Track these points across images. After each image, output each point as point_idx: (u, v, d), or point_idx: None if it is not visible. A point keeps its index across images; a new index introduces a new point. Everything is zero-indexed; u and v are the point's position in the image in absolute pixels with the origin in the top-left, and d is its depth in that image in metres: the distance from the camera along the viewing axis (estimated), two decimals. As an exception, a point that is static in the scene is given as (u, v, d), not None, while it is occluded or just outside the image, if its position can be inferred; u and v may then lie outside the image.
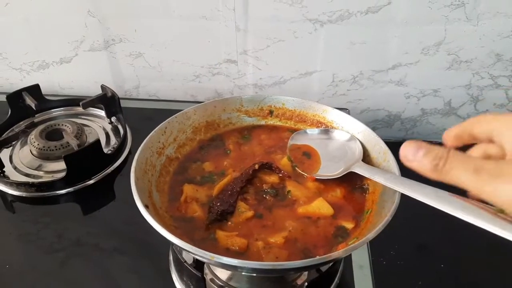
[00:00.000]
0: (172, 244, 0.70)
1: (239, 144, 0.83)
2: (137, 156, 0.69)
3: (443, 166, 0.43)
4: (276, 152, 0.80)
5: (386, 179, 0.63)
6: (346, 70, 1.11)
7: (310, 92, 1.16)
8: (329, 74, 1.13)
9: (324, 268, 0.68)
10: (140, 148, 0.71)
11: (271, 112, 0.86)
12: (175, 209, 0.70)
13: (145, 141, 0.73)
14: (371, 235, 0.56)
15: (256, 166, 0.74)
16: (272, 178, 0.74)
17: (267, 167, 0.75)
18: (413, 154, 0.45)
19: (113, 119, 1.11)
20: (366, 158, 0.74)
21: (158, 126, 0.76)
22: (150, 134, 0.74)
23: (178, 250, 0.72)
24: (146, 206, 0.61)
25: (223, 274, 0.73)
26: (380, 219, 0.60)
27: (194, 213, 0.69)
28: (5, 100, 1.08)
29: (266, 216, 0.68)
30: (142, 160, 0.70)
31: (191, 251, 0.55)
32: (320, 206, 0.68)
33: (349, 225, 0.66)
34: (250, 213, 0.67)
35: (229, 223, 0.67)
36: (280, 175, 0.74)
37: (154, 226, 0.58)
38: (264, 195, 0.71)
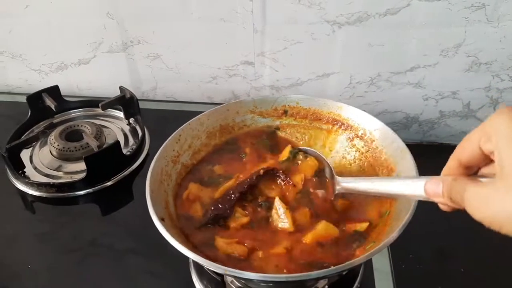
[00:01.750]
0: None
1: (256, 149, 0.83)
2: (152, 167, 0.69)
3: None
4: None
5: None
6: (364, 72, 1.11)
7: (327, 94, 1.16)
8: (347, 76, 1.12)
9: (344, 272, 0.68)
10: (154, 159, 0.71)
11: (285, 112, 0.86)
12: (178, 206, 0.70)
13: (159, 150, 0.73)
14: (391, 238, 0.56)
15: (261, 172, 0.72)
16: (273, 193, 0.72)
17: (272, 173, 0.73)
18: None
19: (131, 120, 1.12)
20: (382, 156, 0.74)
21: (172, 135, 0.76)
22: (164, 143, 0.74)
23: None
24: (162, 219, 0.62)
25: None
26: (399, 221, 0.59)
27: (195, 213, 0.69)
28: (24, 101, 1.10)
29: (262, 229, 0.67)
30: (158, 171, 0.70)
31: (205, 265, 0.56)
32: (326, 229, 0.66)
33: (362, 227, 0.65)
34: (245, 219, 0.67)
35: (224, 227, 0.66)
36: (284, 182, 0.72)
37: (170, 240, 0.58)
38: (259, 208, 0.70)
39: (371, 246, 0.59)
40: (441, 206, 0.46)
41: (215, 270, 0.55)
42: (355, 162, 0.79)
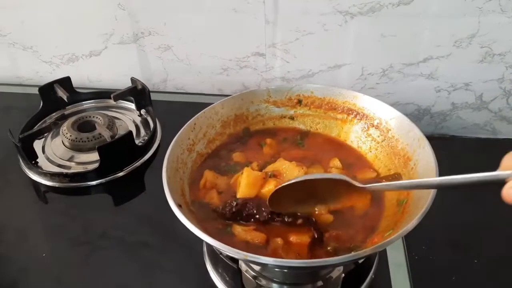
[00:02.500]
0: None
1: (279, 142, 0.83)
2: (167, 154, 0.69)
3: None
4: (313, 166, 0.76)
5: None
6: (376, 63, 1.10)
7: (339, 85, 1.14)
8: (358, 67, 1.12)
9: (360, 260, 0.67)
10: (170, 147, 0.71)
11: (299, 101, 0.85)
12: (194, 193, 0.70)
13: (175, 139, 0.73)
14: (410, 226, 0.56)
15: (299, 222, 0.65)
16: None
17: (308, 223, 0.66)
18: None
19: (143, 111, 1.12)
20: (399, 145, 0.74)
21: (187, 123, 0.76)
22: (180, 131, 0.74)
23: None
24: (179, 206, 0.62)
25: (257, 266, 0.74)
26: (417, 210, 0.59)
27: (211, 199, 0.70)
28: (36, 92, 1.10)
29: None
30: (173, 159, 0.70)
31: (225, 251, 0.56)
32: None
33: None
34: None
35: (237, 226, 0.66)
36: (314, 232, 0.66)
37: (188, 226, 0.58)
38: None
39: (390, 233, 0.59)
40: None
41: (234, 256, 0.55)
42: (370, 151, 0.79)
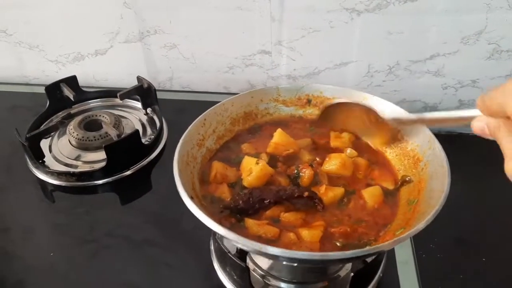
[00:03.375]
0: (217, 234, 0.71)
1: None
2: (178, 149, 0.69)
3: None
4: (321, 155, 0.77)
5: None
6: (382, 60, 1.10)
7: (345, 83, 1.15)
8: (365, 65, 1.11)
9: (369, 259, 0.67)
10: (180, 141, 0.71)
11: (309, 101, 0.85)
12: (205, 188, 0.71)
13: (185, 134, 0.73)
14: (421, 225, 0.56)
15: (305, 194, 0.68)
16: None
17: (312, 198, 0.69)
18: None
19: (149, 110, 1.12)
20: (408, 146, 0.73)
21: (197, 119, 0.76)
22: (190, 126, 0.74)
23: (220, 240, 0.72)
24: (191, 198, 0.62)
25: (264, 264, 0.74)
26: (428, 209, 0.59)
27: (222, 194, 0.70)
28: (42, 91, 1.11)
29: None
30: (184, 153, 0.70)
31: (239, 242, 0.55)
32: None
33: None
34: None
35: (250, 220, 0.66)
36: (318, 206, 0.69)
37: (200, 218, 0.58)
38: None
39: (401, 232, 0.59)
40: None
41: (247, 248, 0.55)
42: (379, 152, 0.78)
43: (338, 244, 0.63)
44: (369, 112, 0.71)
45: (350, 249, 0.61)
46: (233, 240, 0.55)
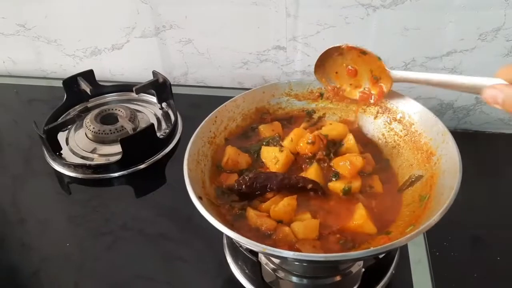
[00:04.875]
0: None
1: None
2: (189, 147, 0.70)
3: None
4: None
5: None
6: (398, 56, 1.09)
7: (359, 79, 1.14)
8: (380, 61, 1.10)
9: (381, 255, 0.67)
10: (192, 139, 0.72)
11: (321, 95, 0.85)
12: (218, 180, 0.72)
13: (196, 131, 0.73)
14: (432, 221, 0.55)
15: (309, 186, 0.69)
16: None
17: (315, 190, 0.70)
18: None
19: (164, 105, 1.13)
20: (422, 140, 0.73)
21: (208, 116, 0.77)
22: (201, 124, 0.75)
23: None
24: (200, 198, 0.62)
25: (276, 259, 0.74)
26: (439, 205, 0.58)
27: (231, 182, 0.71)
28: (59, 85, 1.12)
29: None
30: (194, 151, 0.71)
31: (244, 243, 0.56)
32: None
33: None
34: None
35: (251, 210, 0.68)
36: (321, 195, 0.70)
37: (208, 218, 0.59)
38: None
39: (411, 229, 0.59)
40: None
41: (252, 248, 0.56)
42: (393, 146, 0.78)
43: (340, 242, 0.63)
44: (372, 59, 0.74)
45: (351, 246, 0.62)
46: (239, 241, 0.56)
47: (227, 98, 0.81)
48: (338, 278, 0.71)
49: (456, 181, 0.59)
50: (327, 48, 0.78)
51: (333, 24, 1.07)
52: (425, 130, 0.73)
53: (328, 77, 0.80)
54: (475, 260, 0.82)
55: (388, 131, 0.79)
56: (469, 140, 1.11)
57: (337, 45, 0.77)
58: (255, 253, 0.68)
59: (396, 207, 0.69)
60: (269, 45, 1.14)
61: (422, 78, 0.68)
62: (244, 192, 0.69)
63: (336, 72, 0.80)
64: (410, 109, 0.76)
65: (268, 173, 0.71)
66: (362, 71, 0.77)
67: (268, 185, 0.69)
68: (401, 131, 0.77)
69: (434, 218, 0.55)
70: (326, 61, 0.78)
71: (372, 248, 0.54)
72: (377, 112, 0.81)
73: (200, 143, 0.73)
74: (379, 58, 0.74)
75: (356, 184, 0.70)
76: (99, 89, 1.16)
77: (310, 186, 0.69)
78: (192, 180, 0.64)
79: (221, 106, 0.79)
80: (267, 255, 0.60)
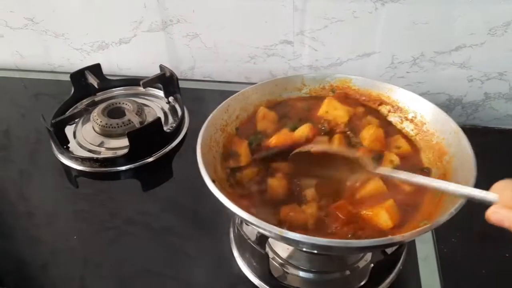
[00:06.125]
0: (237, 220, 0.72)
1: None
2: (202, 132, 0.70)
3: None
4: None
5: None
6: (406, 51, 1.08)
7: (367, 74, 1.13)
8: (388, 56, 1.10)
9: (389, 250, 0.67)
10: (204, 125, 0.72)
11: (333, 91, 0.84)
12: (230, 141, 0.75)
13: (209, 118, 0.73)
14: (444, 217, 0.55)
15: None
16: None
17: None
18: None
19: (171, 99, 1.13)
20: (433, 139, 0.72)
21: (221, 104, 0.77)
22: (214, 111, 0.75)
23: (240, 227, 0.73)
24: (213, 181, 0.62)
25: (283, 252, 0.74)
26: (452, 202, 0.58)
27: (239, 149, 0.73)
28: (67, 79, 1.13)
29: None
30: (207, 137, 0.71)
31: (259, 226, 0.55)
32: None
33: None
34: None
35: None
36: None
37: (222, 200, 0.58)
38: None
39: (424, 223, 0.58)
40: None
41: (267, 232, 0.56)
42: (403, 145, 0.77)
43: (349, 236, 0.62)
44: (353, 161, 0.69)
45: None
46: (255, 224, 0.55)
47: (234, 93, 0.80)
48: (346, 273, 0.71)
49: (471, 179, 0.58)
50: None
51: (341, 18, 1.06)
52: (437, 129, 0.72)
53: None
54: (484, 256, 0.81)
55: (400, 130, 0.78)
56: (478, 136, 1.10)
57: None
58: (263, 247, 0.68)
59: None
60: (276, 40, 1.14)
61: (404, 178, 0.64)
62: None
63: None
64: (422, 108, 0.75)
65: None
66: None
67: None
68: (412, 130, 0.76)
69: (448, 214, 0.54)
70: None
71: (378, 239, 0.54)
72: (388, 111, 0.80)
73: (212, 129, 0.73)
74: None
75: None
76: (106, 83, 1.17)
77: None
78: (205, 164, 0.64)
79: (233, 95, 0.78)
80: (283, 240, 0.59)
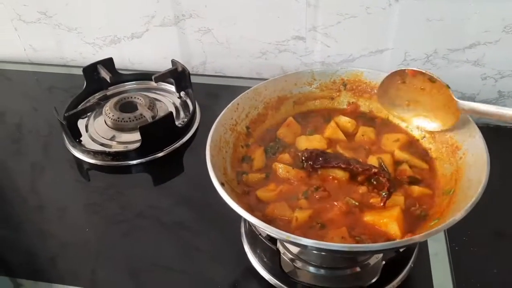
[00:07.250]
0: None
1: None
2: (211, 133, 0.70)
3: None
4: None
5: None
6: (420, 48, 1.07)
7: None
8: (401, 52, 1.09)
9: (401, 248, 0.67)
10: (213, 126, 0.72)
11: (344, 85, 0.84)
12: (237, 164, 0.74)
13: (218, 118, 0.73)
14: (458, 216, 0.55)
15: (373, 171, 0.68)
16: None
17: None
18: None
19: (182, 94, 1.14)
20: (447, 134, 0.72)
21: (230, 103, 0.77)
22: (223, 111, 0.75)
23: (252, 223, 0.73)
24: (222, 184, 0.62)
25: (294, 248, 0.74)
26: (465, 200, 0.58)
27: (253, 154, 0.73)
28: (79, 73, 1.13)
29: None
30: (216, 138, 0.71)
31: (266, 230, 0.56)
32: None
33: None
34: None
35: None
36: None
37: (231, 204, 0.59)
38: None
39: (435, 223, 0.58)
40: None
41: (275, 236, 0.55)
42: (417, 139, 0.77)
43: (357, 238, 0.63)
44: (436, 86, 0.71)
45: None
46: (262, 227, 0.56)
47: (245, 88, 0.81)
48: (356, 269, 0.71)
49: (484, 175, 0.58)
50: (388, 74, 0.77)
51: (354, 14, 1.05)
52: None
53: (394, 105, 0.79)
54: (495, 255, 0.81)
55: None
56: (491, 135, 1.09)
57: (400, 69, 0.75)
58: (274, 242, 0.68)
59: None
60: (288, 35, 1.14)
61: (493, 111, 0.64)
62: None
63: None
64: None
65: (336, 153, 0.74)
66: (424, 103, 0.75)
67: (335, 162, 0.69)
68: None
69: (462, 212, 0.54)
70: (388, 90, 0.77)
71: (392, 241, 0.54)
72: None
73: (222, 129, 0.73)
74: (448, 86, 0.71)
75: None
76: (119, 77, 1.17)
77: (374, 170, 0.68)
78: (214, 166, 0.64)
79: (243, 93, 0.78)
80: (290, 243, 0.59)
